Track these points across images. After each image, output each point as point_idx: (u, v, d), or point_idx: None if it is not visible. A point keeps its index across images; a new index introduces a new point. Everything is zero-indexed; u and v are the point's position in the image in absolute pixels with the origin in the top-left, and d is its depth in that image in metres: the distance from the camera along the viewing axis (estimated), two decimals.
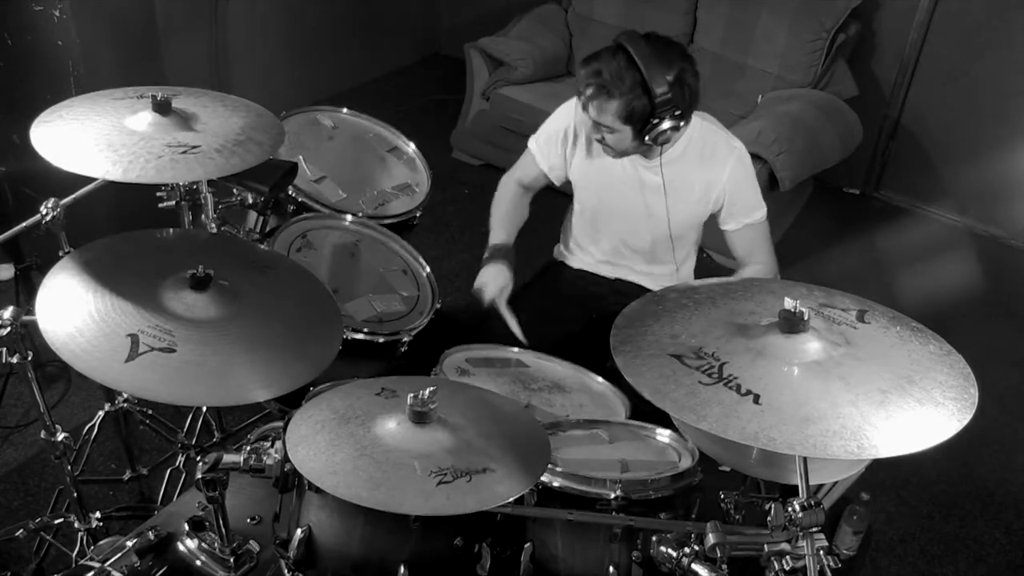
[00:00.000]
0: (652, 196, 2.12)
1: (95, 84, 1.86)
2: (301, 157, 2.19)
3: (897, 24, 3.89)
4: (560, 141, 2.17)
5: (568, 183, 2.26)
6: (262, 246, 1.95)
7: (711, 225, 2.23)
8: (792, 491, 1.33)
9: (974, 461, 2.89)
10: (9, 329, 1.60)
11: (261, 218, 2.05)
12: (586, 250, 2.34)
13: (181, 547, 1.54)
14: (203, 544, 1.53)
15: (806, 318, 1.30)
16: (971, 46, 3.80)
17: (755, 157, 3.22)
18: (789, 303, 1.31)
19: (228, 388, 1.36)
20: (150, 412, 2.32)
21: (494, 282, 2.14)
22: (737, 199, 2.11)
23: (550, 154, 2.20)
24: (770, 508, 1.31)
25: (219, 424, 2.46)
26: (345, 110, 2.41)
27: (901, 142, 4.14)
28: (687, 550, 1.37)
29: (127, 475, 2.38)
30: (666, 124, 1.90)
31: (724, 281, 2.04)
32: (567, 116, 2.16)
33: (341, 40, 4.51)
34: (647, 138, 1.94)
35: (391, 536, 1.39)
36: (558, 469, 1.49)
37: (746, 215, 2.14)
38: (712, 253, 3.23)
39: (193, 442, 2.38)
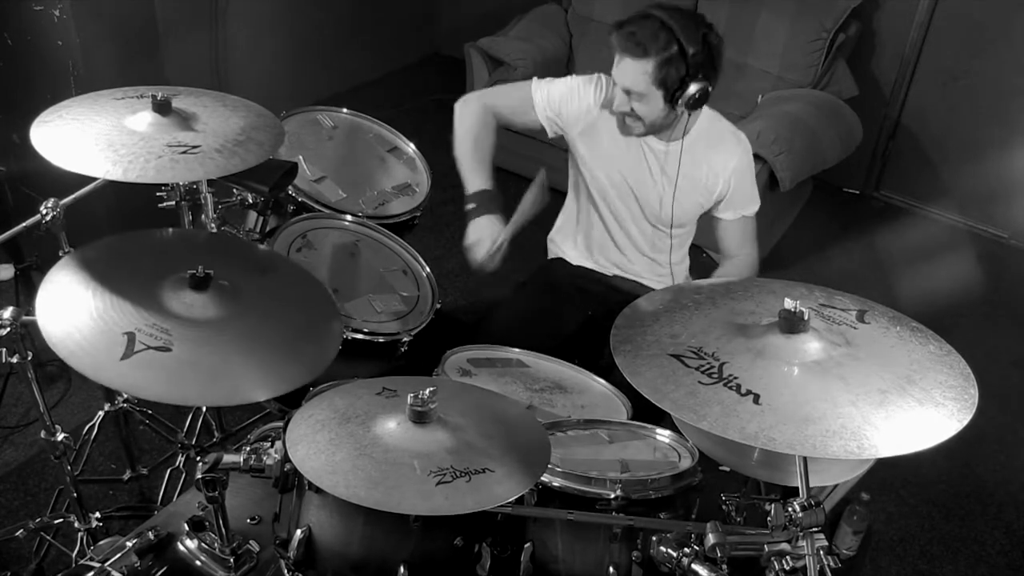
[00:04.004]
0: (660, 179, 2.13)
1: (95, 84, 1.86)
2: (301, 157, 2.19)
3: (897, 24, 3.89)
4: (581, 108, 2.10)
5: (560, 139, 2.19)
6: (262, 246, 1.95)
7: (708, 225, 2.24)
8: (793, 493, 1.33)
9: (974, 461, 2.88)
10: (9, 329, 1.61)
11: (261, 218, 2.05)
12: (580, 245, 2.34)
13: (181, 547, 1.54)
14: (203, 544, 1.53)
15: (806, 318, 1.30)
16: (971, 46, 3.79)
17: (755, 157, 3.22)
18: (789, 303, 1.31)
19: (222, 388, 1.37)
20: (150, 412, 2.32)
21: (488, 233, 1.97)
22: (739, 188, 2.14)
23: (563, 111, 2.11)
24: (770, 508, 1.31)
25: (219, 424, 2.46)
26: (345, 110, 2.41)
27: (901, 142, 4.14)
28: (687, 550, 1.37)
29: (127, 475, 2.38)
30: (696, 86, 1.90)
31: (723, 280, 2.05)
32: (591, 90, 2.10)
33: (341, 40, 4.51)
34: (679, 104, 1.94)
35: (391, 536, 1.39)
36: (558, 469, 1.49)
37: (744, 206, 2.17)
38: (712, 253, 3.23)
39: (193, 442, 2.38)
